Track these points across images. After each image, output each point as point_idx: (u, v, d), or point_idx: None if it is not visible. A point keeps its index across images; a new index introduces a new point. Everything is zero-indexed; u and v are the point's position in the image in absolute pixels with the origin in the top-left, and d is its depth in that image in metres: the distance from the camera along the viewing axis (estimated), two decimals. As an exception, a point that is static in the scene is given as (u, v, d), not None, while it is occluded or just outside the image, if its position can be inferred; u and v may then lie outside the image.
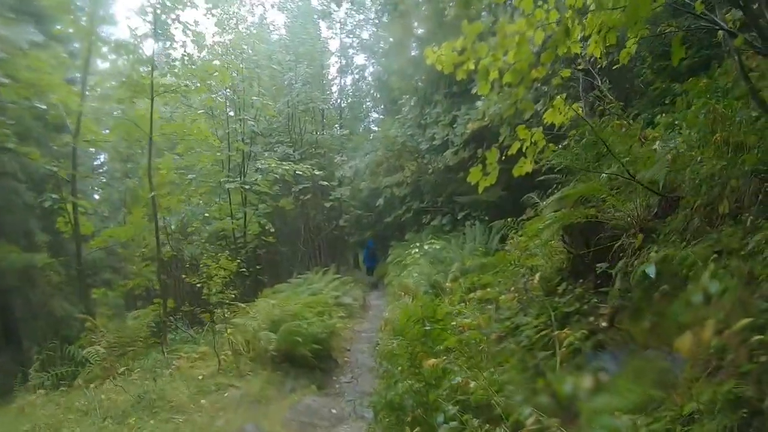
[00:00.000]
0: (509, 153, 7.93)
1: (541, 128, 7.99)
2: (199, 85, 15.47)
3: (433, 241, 13.47)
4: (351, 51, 34.71)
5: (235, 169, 19.89)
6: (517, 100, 8.64)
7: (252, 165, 19.96)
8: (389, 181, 22.91)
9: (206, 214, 19.48)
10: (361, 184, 27.28)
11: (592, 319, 6.08)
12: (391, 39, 24.93)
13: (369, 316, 16.69)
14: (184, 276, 14.15)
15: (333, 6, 31.34)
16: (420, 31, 20.99)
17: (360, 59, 35.10)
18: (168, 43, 16.40)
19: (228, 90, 19.67)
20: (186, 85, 14.99)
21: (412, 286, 12.46)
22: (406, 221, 22.44)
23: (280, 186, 23.38)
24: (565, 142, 9.87)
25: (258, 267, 20.59)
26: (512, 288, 8.24)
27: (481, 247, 14.13)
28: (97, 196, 26.75)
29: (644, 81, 11.12)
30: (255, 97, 20.31)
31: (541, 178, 12.43)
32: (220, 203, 19.83)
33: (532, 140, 7.96)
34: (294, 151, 23.33)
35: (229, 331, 10.01)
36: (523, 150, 7.88)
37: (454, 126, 17.12)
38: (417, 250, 13.36)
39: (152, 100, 13.88)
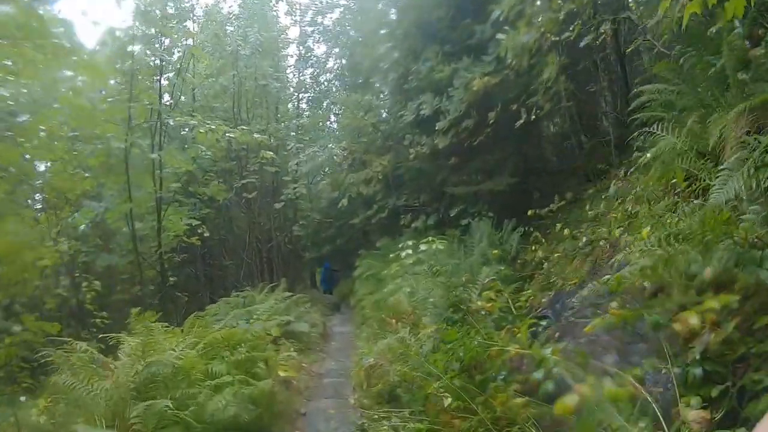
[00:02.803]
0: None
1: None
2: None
3: (432, 240, 9.02)
4: (311, 40, 30.06)
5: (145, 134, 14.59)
6: None
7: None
8: (354, 178, 18.33)
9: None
10: (320, 185, 22.76)
11: None
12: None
13: (332, 350, 12.10)
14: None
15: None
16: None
17: (321, 49, 30.40)
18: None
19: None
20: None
21: (409, 308, 7.92)
22: (378, 225, 17.90)
23: (221, 181, 18.64)
24: None
25: (173, 279, 15.49)
26: None
27: (495, 249, 9.69)
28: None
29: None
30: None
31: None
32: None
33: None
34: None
35: (42, 403, 5.10)
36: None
37: (450, 90, 12.63)
38: (409, 252, 8.84)
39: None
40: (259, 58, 20.31)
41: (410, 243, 8.77)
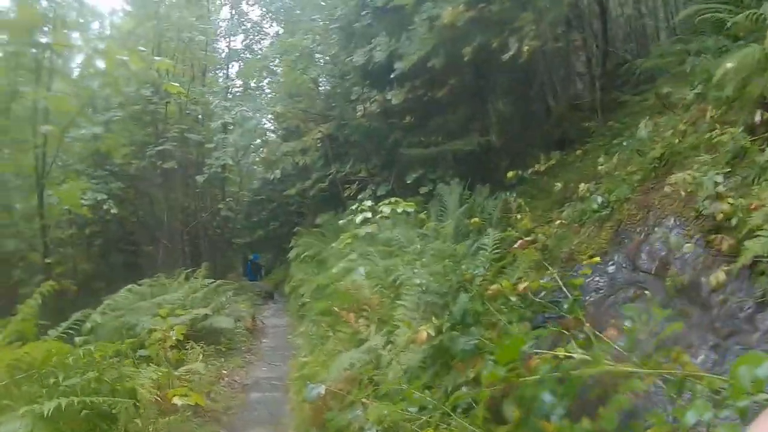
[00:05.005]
0: None
1: None
2: None
3: (397, 201, 6.65)
4: (244, 2, 26.96)
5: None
6: None
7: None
8: (289, 147, 15.86)
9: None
10: (250, 157, 20.23)
11: None
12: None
13: (263, 350, 9.72)
14: None
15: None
16: None
17: (256, 13, 27.29)
18: None
19: None
20: None
21: (373, 296, 5.49)
22: (316, 200, 15.61)
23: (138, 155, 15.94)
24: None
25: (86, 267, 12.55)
26: None
27: (474, 218, 7.49)
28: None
29: None
30: None
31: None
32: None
33: None
34: (153, 94, 15.74)
35: None
36: None
37: (410, 29, 10.25)
38: (367, 216, 6.38)
39: None
40: (184, 11, 17.45)
41: (367, 204, 6.45)
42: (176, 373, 5.62)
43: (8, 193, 11.70)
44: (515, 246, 4.44)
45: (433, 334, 3.39)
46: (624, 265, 5.32)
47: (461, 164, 10.83)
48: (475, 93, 11.15)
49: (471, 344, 3.02)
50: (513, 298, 3.57)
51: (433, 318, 3.62)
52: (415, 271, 4.93)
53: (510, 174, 8.60)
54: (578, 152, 9.14)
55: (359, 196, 12.69)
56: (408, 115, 11.81)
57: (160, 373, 4.92)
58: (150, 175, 17.29)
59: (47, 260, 10.84)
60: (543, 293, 4.31)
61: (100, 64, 10.30)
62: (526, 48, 8.29)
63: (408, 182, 11.22)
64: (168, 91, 14.25)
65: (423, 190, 10.77)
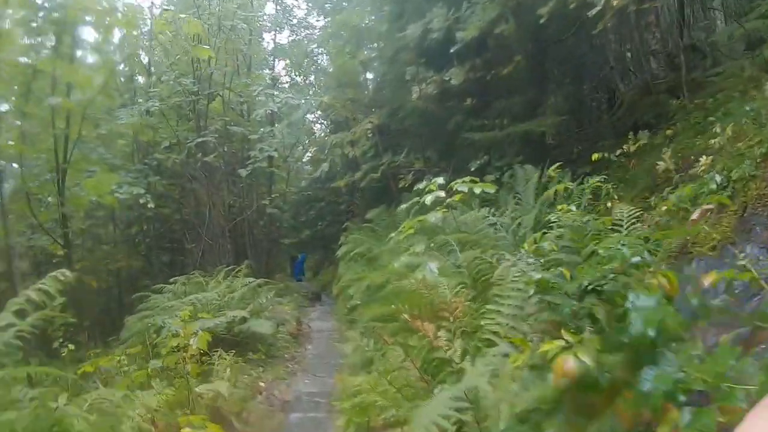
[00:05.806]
0: None
1: None
2: None
3: (474, 180, 5.45)
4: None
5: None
6: None
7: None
8: (338, 138, 14.83)
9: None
10: (297, 153, 19.29)
11: None
12: None
13: (308, 359, 8.62)
14: None
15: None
16: None
17: (302, 11, 26.38)
18: None
19: None
20: None
21: (455, 298, 4.12)
22: (367, 194, 14.58)
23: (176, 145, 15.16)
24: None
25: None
26: None
27: (561, 203, 6.30)
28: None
29: None
30: None
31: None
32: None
33: None
34: (195, 85, 14.76)
35: None
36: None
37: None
38: (439, 195, 5.18)
39: None
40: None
41: (439, 182, 5.28)
42: (198, 390, 4.53)
43: (39, 188, 10.99)
44: (693, 217, 3.16)
45: (588, 361, 2.10)
46: (761, 258, 4.08)
47: (530, 148, 9.60)
48: (542, 74, 9.97)
49: (672, 381, 1.76)
50: (694, 300, 2.32)
51: (563, 332, 2.32)
52: (530, 261, 3.56)
53: (595, 156, 7.49)
54: (668, 132, 7.88)
55: (416, 188, 11.55)
56: (469, 98, 10.65)
57: (166, 396, 3.84)
58: (192, 171, 16.46)
59: (62, 252, 9.96)
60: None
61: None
62: (615, 3, 6.97)
63: (471, 170, 10.01)
64: (211, 86, 13.45)
65: (489, 178, 9.54)
